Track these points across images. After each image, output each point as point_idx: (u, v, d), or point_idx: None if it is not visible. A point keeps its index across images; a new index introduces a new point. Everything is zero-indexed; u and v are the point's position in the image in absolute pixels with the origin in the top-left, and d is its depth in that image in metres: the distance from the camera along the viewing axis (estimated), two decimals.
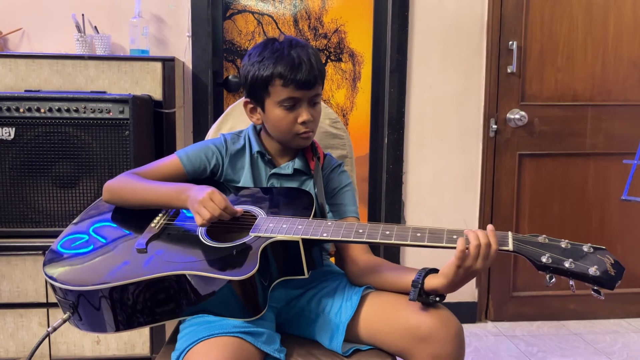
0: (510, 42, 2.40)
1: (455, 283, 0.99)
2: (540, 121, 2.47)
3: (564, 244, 0.95)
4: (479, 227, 2.50)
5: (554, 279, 0.93)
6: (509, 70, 2.42)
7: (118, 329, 1.04)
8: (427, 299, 1.02)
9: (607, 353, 2.25)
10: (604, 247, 0.93)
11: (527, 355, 2.23)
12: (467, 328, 2.48)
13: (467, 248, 0.96)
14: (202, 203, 1.05)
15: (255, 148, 1.27)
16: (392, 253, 2.45)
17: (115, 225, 1.18)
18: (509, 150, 2.49)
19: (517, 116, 2.43)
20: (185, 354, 0.99)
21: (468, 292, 2.55)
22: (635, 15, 2.47)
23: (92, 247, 1.12)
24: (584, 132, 2.50)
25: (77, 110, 1.78)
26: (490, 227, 0.98)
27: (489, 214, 2.52)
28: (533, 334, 2.45)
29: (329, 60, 2.47)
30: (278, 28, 2.42)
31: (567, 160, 2.52)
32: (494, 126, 2.44)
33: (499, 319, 2.59)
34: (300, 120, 1.19)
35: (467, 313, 2.54)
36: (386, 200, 2.47)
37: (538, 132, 2.48)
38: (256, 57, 1.20)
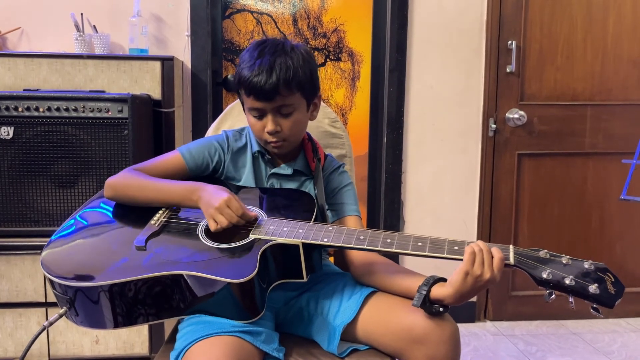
0: (510, 42, 2.40)
1: (462, 293, 0.97)
2: (539, 121, 2.47)
3: (564, 259, 0.95)
4: (478, 226, 2.51)
5: (553, 295, 0.93)
6: (508, 70, 2.42)
7: (116, 325, 1.03)
8: (431, 307, 1.00)
9: (606, 352, 2.25)
10: (604, 265, 0.93)
11: (526, 354, 2.23)
12: (466, 327, 2.48)
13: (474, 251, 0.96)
14: (219, 210, 1.04)
15: (255, 148, 1.27)
16: (391, 254, 2.45)
17: (113, 219, 1.18)
18: (508, 149, 2.49)
19: (516, 116, 2.43)
20: (184, 353, 0.99)
21: None
22: (635, 15, 2.47)
23: (86, 236, 1.11)
24: (583, 132, 2.50)
25: (76, 110, 1.78)
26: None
27: (488, 214, 2.52)
28: (532, 334, 2.45)
29: (328, 60, 2.47)
30: (277, 27, 2.42)
31: (567, 159, 2.52)
32: (493, 126, 2.44)
33: (498, 319, 2.59)
34: (265, 130, 1.18)
35: (466, 312, 2.54)
36: (385, 199, 2.46)
37: (537, 132, 2.48)
38: (240, 59, 1.19)
